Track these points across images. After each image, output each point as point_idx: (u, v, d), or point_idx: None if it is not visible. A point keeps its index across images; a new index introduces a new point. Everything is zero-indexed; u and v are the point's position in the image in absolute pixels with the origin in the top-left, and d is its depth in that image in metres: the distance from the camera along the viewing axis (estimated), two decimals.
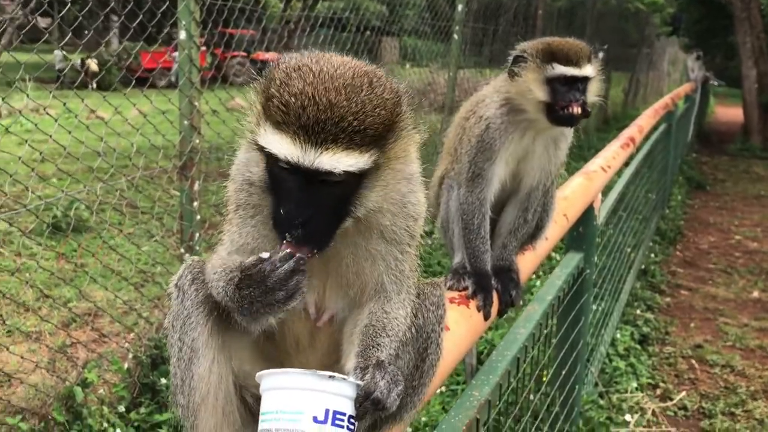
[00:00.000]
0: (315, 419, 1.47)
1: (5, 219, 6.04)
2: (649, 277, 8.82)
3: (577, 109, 2.79)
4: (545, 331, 3.81)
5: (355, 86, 1.53)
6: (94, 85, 16.14)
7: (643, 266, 8.93)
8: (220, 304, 1.72)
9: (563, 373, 4.48)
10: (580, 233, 4.51)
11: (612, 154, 5.13)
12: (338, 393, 1.50)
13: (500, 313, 2.92)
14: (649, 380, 6.25)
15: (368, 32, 10.29)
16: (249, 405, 1.92)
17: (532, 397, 4.16)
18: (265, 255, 1.58)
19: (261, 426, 1.50)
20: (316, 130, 1.48)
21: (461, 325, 2.50)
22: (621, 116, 23.00)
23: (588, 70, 2.86)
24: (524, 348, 3.29)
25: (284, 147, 1.50)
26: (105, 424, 4.67)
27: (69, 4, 5.38)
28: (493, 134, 2.90)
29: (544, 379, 4.81)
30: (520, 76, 2.88)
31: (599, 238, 6.70)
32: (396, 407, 1.60)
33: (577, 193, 4.07)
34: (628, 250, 8.05)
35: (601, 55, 2.98)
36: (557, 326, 4.46)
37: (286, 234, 1.55)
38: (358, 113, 1.50)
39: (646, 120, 7.82)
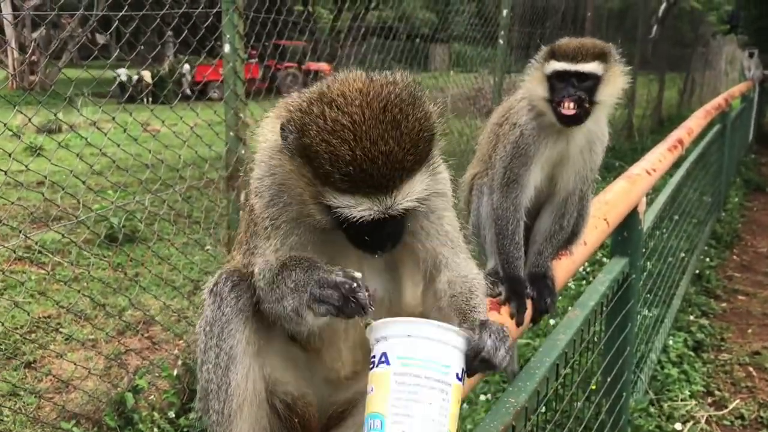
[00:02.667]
0: (457, 376, 1.55)
1: (60, 231, 6.24)
2: (704, 282, 8.59)
3: (567, 104, 2.73)
4: (587, 338, 3.76)
5: (395, 122, 1.56)
6: (149, 99, 16.61)
7: (697, 271, 8.71)
8: (261, 312, 1.75)
9: (609, 380, 4.41)
10: (625, 238, 4.44)
11: (658, 157, 5.03)
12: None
13: (534, 321, 2.89)
14: (703, 388, 6.08)
15: (417, 40, 10.32)
16: (278, 411, 1.95)
17: (578, 404, 4.11)
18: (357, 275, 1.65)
19: (406, 368, 1.53)
20: (385, 183, 1.54)
21: None
22: (676, 118, 22.47)
23: (589, 66, 2.77)
24: (563, 354, 3.25)
25: (363, 209, 1.57)
26: (155, 430, 4.79)
27: (118, 22, 5.53)
28: (527, 140, 2.87)
29: (593, 387, 4.74)
30: (530, 75, 2.88)
31: (651, 242, 6.59)
32: (507, 363, 1.65)
33: (618, 197, 4.00)
34: (682, 254, 7.87)
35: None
36: (603, 332, 4.39)
37: (380, 251, 1.68)
38: (410, 149, 1.56)
39: (695, 121, 7.64)
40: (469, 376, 1.59)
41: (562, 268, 3.19)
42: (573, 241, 3.18)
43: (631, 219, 4.38)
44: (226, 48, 5.33)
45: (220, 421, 1.82)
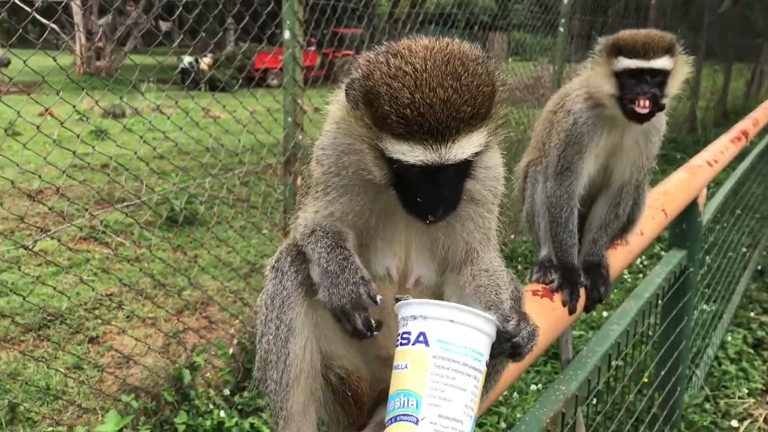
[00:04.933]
0: (486, 364, 1.59)
1: (123, 212, 6.44)
2: (766, 279, 8.35)
3: (643, 103, 2.69)
4: (641, 330, 3.72)
5: (455, 73, 1.58)
6: (206, 87, 16.85)
7: (759, 267, 8.46)
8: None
9: (663, 373, 4.36)
10: (683, 230, 4.36)
11: (720, 148, 4.91)
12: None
13: (587, 309, 2.88)
14: (762, 386, 5.94)
15: (476, 27, 10.25)
16: (332, 384, 2.00)
17: (629, 396, 4.07)
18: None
19: (446, 353, 1.56)
20: (441, 129, 1.56)
21: (542, 318, 2.49)
22: (742, 110, 21.79)
23: (661, 62, 2.72)
24: (616, 345, 3.23)
25: (417, 155, 1.58)
26: (211, 406, 4.93)
27: (180, 8, 5.66)
28: (581, 128, 2.86)
29: (645, 380, 4.69)
30: (593, 70, 2.83)
31: (711, 236, 6.44)
32: (527, 352, 1.68)
33: (678, 188, 3.94)
34: (743, 249, 7.67)
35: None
36: (658, 325, 4.34)
37: (428, 217, 1.67)
38: (469, 99, 1.57)
39: (762, 113, 7.40)
40: (492, 356, 1.62)
41: (618, 258, 3.17)
42: (628, 229, 3.15)
43: (690, 211, 4.31)
44: (286, 34, 5.40)
45: (278, 390, 1.88)
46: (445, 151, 1.57)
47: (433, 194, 1.65)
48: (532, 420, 2.58)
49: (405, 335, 1.59)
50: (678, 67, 2.79)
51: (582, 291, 2.82)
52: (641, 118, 2.74)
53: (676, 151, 13.18)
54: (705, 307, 6.21)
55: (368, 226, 1.87)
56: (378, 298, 1.69)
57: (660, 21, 14.14)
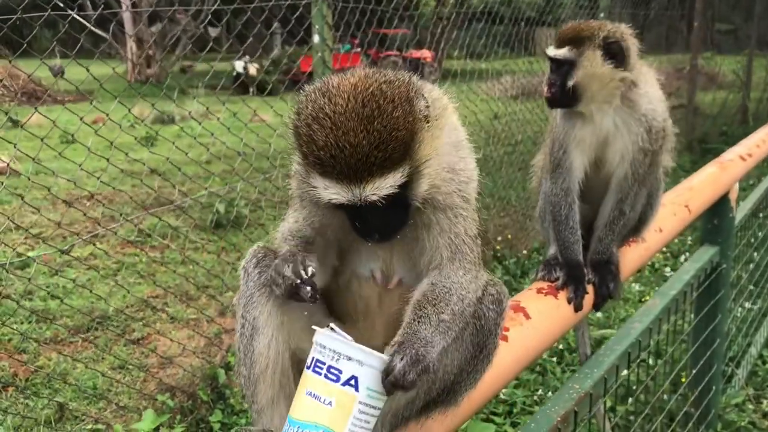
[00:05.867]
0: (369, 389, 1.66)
1: (167, 219, 6.61)
2: None
3: (544, 89, 2.87)
4: (667, 327, 3.68)
5: (368, 117, 1.65)
6: (254, 91, 17.20)
7: None
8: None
9: (695, 372, 4.29)
10: (715, 225, 4.29)
11: (755, 142, 4.81)
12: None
13: (596, 307, 2.86)
14: None
15: (522, 24, 10.19)
16: None
17: (658, 395, 4.02)
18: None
19: (370, 401, 1.64)
20: (352, 172, 1.65)
21: (546, 316, 2.50)
22: None
23: (562, 52, 2.83)
24: (637, 343, 3.21)
25: (334, 193, 1.69)
26: (246, 404, 5.03)
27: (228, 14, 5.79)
28: (560, 122, 2.93)
29: (683, 380, 4.61)
30: None
31: (759, 232, 6.29)
32: (416, 386, 1.69)
33: (705, 184, 3.88)
34: None
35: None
36: (689, 323, 4.27)
37: (368, 239, 1.79)
38: (379, 145, 1.64)
39: None
40: (386, 393, 1.67)
41: (633, 255, 3.14)
42: (641, 228, 3.11)
43: (721, 206, 4.23)
44: (315, 38, 5.49)
45: (247, 385, 1.98)
46: (359, 191, 1.66)
47: (368, 227, 1.75)
48: (542, 418, 2.59)
49: (334, 371, 1.64)
50: (585, 60, 2.80)
51: (590, 288, 2.81)
52: (548, 102, 2.90)
53: (727, 144, 12.80)
54: (748, 305, 6.07)
55: (347, 236, 1.93)
56: (310, 268, 1.79)
57: (707, 11, 13.79)
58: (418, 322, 1.80)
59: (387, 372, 1.65)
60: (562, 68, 2.84)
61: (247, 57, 18.64)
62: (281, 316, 1.97)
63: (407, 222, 1.81)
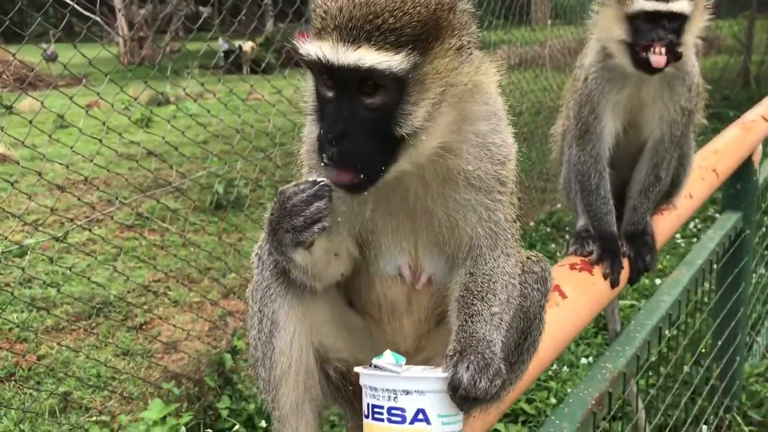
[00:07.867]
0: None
1: (165, 201, 6.45)
2: None
3: (659, 50, 2.44)
4: (695, 298, 3.52)
5: None
6: (248, 69, 16.94)
7: None
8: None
9: (720, 343, 4.15)
10: (738, 190, 4.13)
11: None
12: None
13: (631, 281, 2.70)
14: None
15: None
16: (332, 379, 1.87)
17: (685, 368, 3.88)
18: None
19: (446, 428, 1.47)
20: (350, 27, 1.42)
21: (582, 293, 2.33)
22: None
23: (680, 5, 2.47)
24: (667, 317, 3.05)
25: (320, 49, 1.45)
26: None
27: None
28: (591, 85, 2.65)
29: (703, 350, 4.47)
30: (601, 13, 2.60)
31: None
32: (493, 392, 1.49)
33: (729, 146, 3.71)
34: None
35: None
36: (713, 292, 4.12)
37: (323, 155, 1.48)
38: (395, 10, 1.42)
39: None
40: (460, 409, 1.49)
41: (665, 224, 2.98)
42: (674, 193, 2.94)
43: (745, 170, 4.07)
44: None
45: (267, 389, 1.76)
46: (344, 52, 1.42)
47: (333, 123, 1.47)
48: (576, 402, 2.44)
49: (396, 412, 1.44)
50: (697, 13, 2.54)
51: (625, 262, 2.64)
52: (653, 69, 2.50)
53: (729, 108, 12.64)
54: (762, 270, 5.92)
55: (364, 223, 1.71)
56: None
57: None
58: (472, 321, 1.60)
59: (454, 387, 1.45)
60: (674, 23, 2.50)
61: (226, 36, 18.29)
62: (303, 306, 1.75)
63: (387, 163, 1.51)
